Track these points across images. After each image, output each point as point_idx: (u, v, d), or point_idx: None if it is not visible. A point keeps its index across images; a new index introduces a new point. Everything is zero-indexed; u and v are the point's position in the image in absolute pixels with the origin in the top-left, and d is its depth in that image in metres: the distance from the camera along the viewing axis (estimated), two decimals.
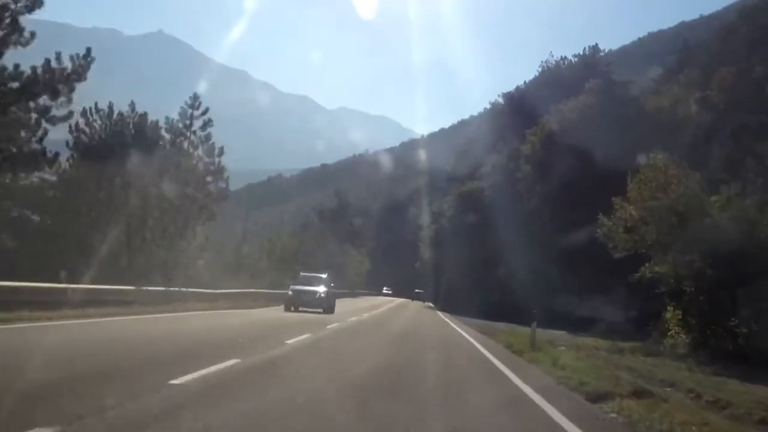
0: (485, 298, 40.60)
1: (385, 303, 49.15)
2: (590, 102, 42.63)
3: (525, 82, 62.61)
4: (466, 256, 47.80)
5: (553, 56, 67.34)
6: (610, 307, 32.29)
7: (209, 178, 28.54)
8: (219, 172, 28.93)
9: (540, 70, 63.10)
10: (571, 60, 60.96)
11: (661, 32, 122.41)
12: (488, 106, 64.34)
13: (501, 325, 25.75)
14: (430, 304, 61.53)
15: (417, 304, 61.28)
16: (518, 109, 53.44)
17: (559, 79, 55.92)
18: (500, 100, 63.01)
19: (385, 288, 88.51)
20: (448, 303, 50.76)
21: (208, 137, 28.92)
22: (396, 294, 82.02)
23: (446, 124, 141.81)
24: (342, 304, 32.36)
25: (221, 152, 28.88)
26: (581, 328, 27.41)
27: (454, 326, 26.22)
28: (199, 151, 28.73)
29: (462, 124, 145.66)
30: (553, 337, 19.85)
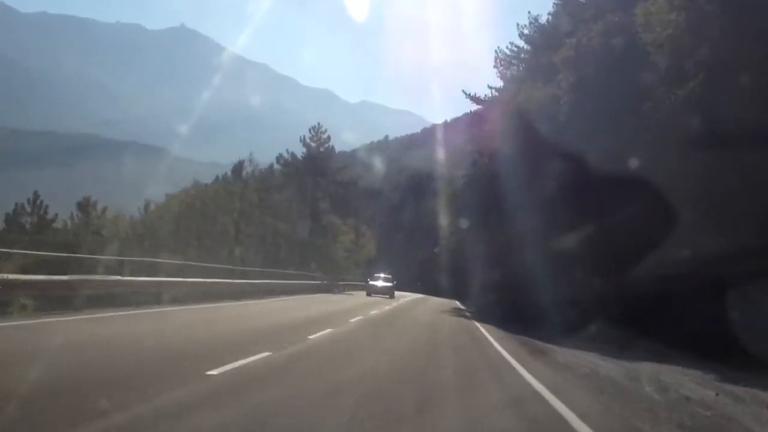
0: (543, 296, 21.50)
1: (344, 314, 31.03)
2: None
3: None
4: (509, 226, 28.34)
5: None
6: None
7: None
8: None
9: None
10: None
11: None
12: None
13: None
14: (459, 305, 39.21)
15: (429, 305, 34.57)
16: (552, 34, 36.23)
17: None
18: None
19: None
20: (481, 304, 33.24)
21: None
22: (403, 287, 50.46)
23: (468, 110, 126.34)
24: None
25: None
26: None
27: None
28: None
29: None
30: None
